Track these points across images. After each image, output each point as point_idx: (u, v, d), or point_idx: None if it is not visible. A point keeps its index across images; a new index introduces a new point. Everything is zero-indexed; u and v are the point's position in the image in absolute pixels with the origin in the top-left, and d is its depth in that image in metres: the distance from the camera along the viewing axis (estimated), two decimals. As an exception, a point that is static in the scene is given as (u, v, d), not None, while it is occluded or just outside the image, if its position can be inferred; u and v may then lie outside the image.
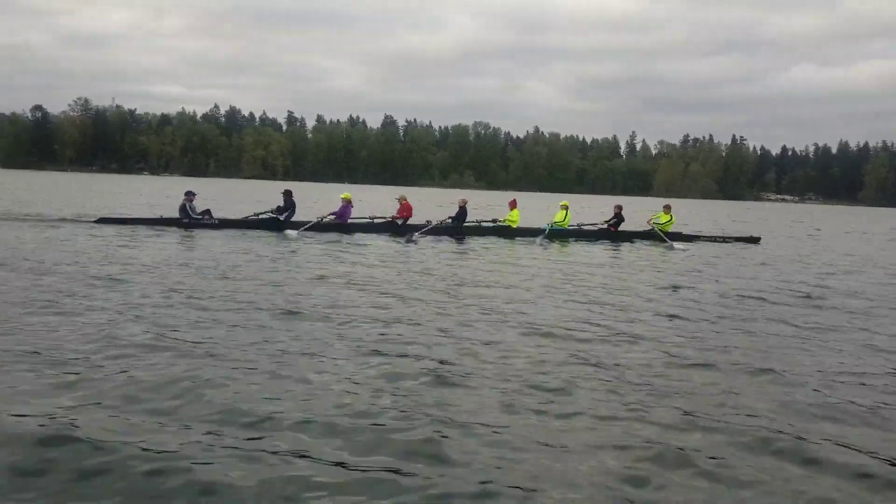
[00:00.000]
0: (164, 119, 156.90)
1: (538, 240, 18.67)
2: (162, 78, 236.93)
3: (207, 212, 18.20)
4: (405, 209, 19.29)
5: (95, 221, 17.59)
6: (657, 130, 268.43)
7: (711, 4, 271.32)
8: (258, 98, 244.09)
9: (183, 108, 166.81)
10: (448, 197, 52.71)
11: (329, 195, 44.84)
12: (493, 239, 18.89)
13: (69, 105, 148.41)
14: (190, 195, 18.08)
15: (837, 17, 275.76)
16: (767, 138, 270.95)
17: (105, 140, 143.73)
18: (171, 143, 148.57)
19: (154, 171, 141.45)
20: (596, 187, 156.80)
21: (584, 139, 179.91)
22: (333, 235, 17.53)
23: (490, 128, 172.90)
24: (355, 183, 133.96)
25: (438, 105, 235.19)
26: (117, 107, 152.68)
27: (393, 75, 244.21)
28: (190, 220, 17.58)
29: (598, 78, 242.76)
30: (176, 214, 18.15)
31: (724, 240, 21.47)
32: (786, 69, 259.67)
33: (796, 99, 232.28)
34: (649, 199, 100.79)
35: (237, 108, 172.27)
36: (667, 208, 21.19)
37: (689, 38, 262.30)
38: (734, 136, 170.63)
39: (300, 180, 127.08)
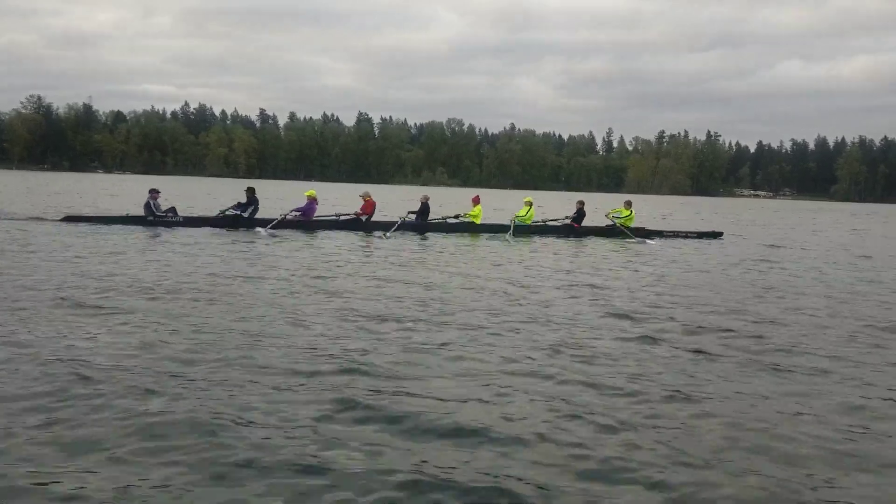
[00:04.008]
0: (120, 116, 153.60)
1: (507, 236, 18.30)
2: (149, 77, 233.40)
3: (172, 209, 17.94)
4: (369, 206, 19.02)
5: (61, 220, 17.41)
6: (644, 127, 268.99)
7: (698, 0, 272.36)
8: (249, 97, 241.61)
9: (152, 106, 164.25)
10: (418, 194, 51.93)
11: (290, 193, 43.72)
12: (455, 235, 18.59)
13: (21, 102, 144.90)
14: (154, 193, 17.73)
15: (824, 11, 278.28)
16: (751, 134, 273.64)
17: (57, 138, 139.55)
18: (125, 140, 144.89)
19: (108, 169, 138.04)
20: (571, 184, 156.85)
21: (559, 136, 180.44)
22: (298, 233, 17.21)
23: (464, 125, 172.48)
24: (327, 181, 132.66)
25: (428, 103, 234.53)
26: (84, 105, 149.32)
27: (381, 73, 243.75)
28: (155, 217, 17.32)
29: (586, 74, 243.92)
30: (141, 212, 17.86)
31: (687, 235, 21.12)
32: (772, 65, 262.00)
33: (781, 95, 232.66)
34: (622, 195, 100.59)
35: (206, 105, 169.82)
36: (628, 204, 20.82)
37: (676, 34, 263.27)
38: (709, 131, 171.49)
39: (265, 178, 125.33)
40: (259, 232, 16.63)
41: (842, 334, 7.46)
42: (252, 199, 18.27)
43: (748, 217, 45.24)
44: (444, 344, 6.30)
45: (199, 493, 3.37)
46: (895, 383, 5.65)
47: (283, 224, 17.68)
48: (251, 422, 4.21)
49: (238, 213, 17.95)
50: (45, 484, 3.38)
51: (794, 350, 6.62)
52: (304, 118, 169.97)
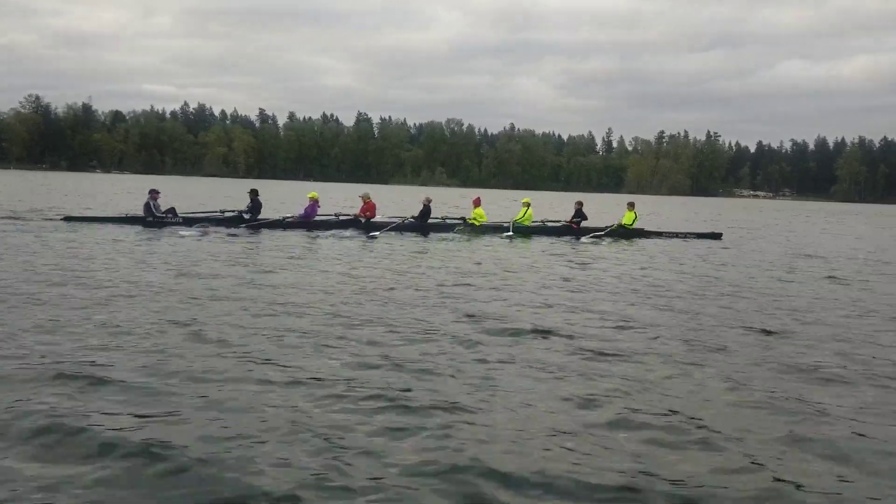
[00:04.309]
0: (119, 116, 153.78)
1: (504, 235, 18.63)
2: (149, 77, 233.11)
3: (172, 210, 18.11)
4: (368, 207, 19.06)
5: (62, 219, 17.63)
6: (644, 127, 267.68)
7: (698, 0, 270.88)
8: (248, 97, 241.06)
9: (152, 106, 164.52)
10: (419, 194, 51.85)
11: (289, 193, 43.43)
12: (450, 235, 18.62)
13: (20, 102, 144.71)
14: (154, 193, 17.88)
15: (824, 11, 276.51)
16: (751, 134, 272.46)
17: (55, 138, 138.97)
18: (123, 140, 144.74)
19: (106, 168, 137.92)
20: (570, 184, 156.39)
21: (559, 136, 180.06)
22: (297, 233, 17.39)
23: (464, 125, 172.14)
24: (327, 181, 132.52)
25: (428, 103, 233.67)
26: (83, 104, 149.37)
27: (381, 73, 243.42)
28: (154, 218, 17.51)
29: (586, 74, 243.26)
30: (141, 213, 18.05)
31: (686, 236, 21.14)
32: (772, 65, 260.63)
33: (781, 95, 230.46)
34: (622, 195, 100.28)
35: (206, 105, 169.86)
36: (630, 205, 20.97)
37: (676, 34, 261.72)
38: (708, 131, 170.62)
39: (264, 178, 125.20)
40: (181, 233, 16.20)
41: (705, 340, 7.05)
42: (255, 200, 18.45)
43: (732, 217, 44.70)
44: (247, 352, 5.91)
45: None
46: (706, 396, 5.29)
47: (279, 224, 18.07)
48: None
49: (241, 213, 18.30)
50: None
51: (631, 357, 6.19)
52: (304, 118, 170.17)
